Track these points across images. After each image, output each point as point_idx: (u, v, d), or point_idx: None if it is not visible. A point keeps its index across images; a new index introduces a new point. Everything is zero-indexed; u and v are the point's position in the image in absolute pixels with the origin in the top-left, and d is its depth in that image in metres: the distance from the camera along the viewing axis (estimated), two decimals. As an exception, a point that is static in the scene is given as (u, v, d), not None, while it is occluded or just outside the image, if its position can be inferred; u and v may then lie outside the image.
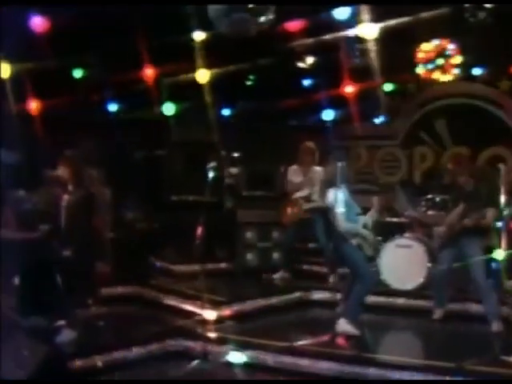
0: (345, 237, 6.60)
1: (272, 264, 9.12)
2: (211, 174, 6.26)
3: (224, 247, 9.49)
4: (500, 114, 10.24)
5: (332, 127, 11.06)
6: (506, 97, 10.26)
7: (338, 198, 6.51)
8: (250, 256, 9.19)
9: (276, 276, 8.82)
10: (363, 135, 11.20)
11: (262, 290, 8.30)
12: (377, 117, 11.09)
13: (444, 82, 10.56)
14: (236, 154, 9.93)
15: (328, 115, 11.33)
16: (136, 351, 6.17)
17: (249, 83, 11.59)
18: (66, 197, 6.47)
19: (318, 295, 8.22)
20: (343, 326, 6.64)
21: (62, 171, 6.49)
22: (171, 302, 7.81)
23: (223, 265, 9.23)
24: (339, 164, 6.52)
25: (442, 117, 10.57)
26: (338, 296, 7.88)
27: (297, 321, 7.69)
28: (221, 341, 6.38)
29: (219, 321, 7.05)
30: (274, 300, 7.87)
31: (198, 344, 6.32)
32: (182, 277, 8.83)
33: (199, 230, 7.31)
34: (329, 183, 6.68)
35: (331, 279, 8.49)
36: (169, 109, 11.04)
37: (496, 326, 6.81)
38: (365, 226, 6.75)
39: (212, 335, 6.56)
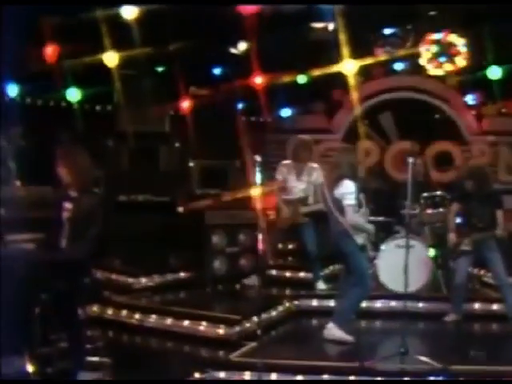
0: (349, 233, 6.16)
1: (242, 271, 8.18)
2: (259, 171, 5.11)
3: (185, 254, 8.34)
4: (445, 109, 10.17)
5: (272, 120, 10.37)
6: (452, 91, 10.21)
7: (351, 190, 6.20)
8: (217, 263, 8.11)
9: (248, 283, 7.92)
10: (303, 128, 10.62)
11: (251, 302, 7.34)
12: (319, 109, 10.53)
13: (389, 76, 10.31)
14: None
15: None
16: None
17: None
18: (68, 205, 4.96)
19: (308, 304, 7.47)
20: (334, 331, 6.11)
21: (61, 169, 4.99)
22: (156, 323, 6.66)
23: (184, 274, 8.11)
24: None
25: (387, 111, 10.27)
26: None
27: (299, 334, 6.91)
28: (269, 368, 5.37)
29: (237, 343, 6.04)
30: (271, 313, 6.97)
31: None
32: (140, 291, 7.66)
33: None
34: (344, 175, 6.26)
35: (319, 286, 7.78)
36: (73, 94, 9.79)
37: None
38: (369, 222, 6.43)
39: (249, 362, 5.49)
